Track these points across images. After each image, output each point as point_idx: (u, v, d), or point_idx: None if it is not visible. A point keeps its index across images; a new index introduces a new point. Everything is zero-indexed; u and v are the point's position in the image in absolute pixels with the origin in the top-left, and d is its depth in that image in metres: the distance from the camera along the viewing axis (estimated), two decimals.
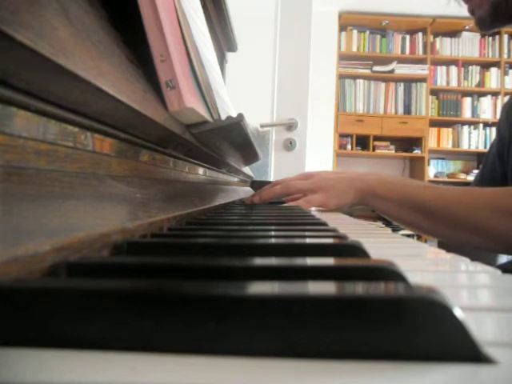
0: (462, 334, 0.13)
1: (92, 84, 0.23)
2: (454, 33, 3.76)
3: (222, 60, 1.33)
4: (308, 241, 0.30)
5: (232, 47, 1.36)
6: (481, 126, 3.74)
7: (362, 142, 3.74)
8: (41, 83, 0.21)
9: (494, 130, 3.46)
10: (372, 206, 0.75)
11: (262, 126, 1.96)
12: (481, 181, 0.93)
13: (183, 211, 0.43)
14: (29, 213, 0.19)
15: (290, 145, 1.98)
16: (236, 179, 1.14)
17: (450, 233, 0.66)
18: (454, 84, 3.77)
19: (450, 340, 0.13)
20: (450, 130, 3.78)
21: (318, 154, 3.37)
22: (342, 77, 3.76)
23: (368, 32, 3.77)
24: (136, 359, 0.12)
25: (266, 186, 0.86)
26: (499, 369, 0.12)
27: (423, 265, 0.33)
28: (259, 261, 0.21)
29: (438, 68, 3.77)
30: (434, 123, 3.76)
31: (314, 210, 0.82)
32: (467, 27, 3.63)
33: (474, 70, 3.77)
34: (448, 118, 3.76)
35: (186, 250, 0.26)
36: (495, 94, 3.75)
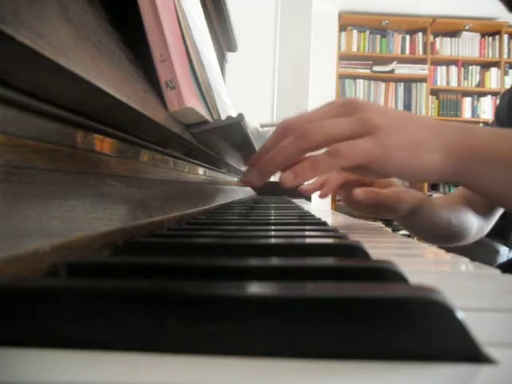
0: (462, 333, 0.13)
1: (92, 84, 0.23)
2: (453, 33, 3.75)
3: (222, 60, 1.33)
4: (308, 241, 0.30)
5: (232, 47, 1.36)
6: (481, 126, 3.74)
7: None
8: (41, 83, 0.21)
9: None
10: (478, 182, 0.43)
11: (261, 126, 1.96)
12: None
13: (183, 211, 0.43)
14: (29, 213, 0.19)
15: None
16: (236, 179, 1.14)
17: None
18: (454, 84, 3.77)
19: (450, 340, 0.13)
20: None
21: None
22: (341, 77, 3.76)
23: (368, 32, 3.77)
24: (136, 359, 0.12)
25: (264, 143, 0.44)
26: (499, 369, 0.12)
27: (423, 265, 0.33)
28: (259, 261, 0.21)
29: (438, 68, 3.77)
30: None
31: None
32: (467, 27, 3.62)
33: (474, 70, 3.77)
34: (448, 118, 3.76)
35: (185, 250, 0.26)
36: (495, 94, 3.74)
